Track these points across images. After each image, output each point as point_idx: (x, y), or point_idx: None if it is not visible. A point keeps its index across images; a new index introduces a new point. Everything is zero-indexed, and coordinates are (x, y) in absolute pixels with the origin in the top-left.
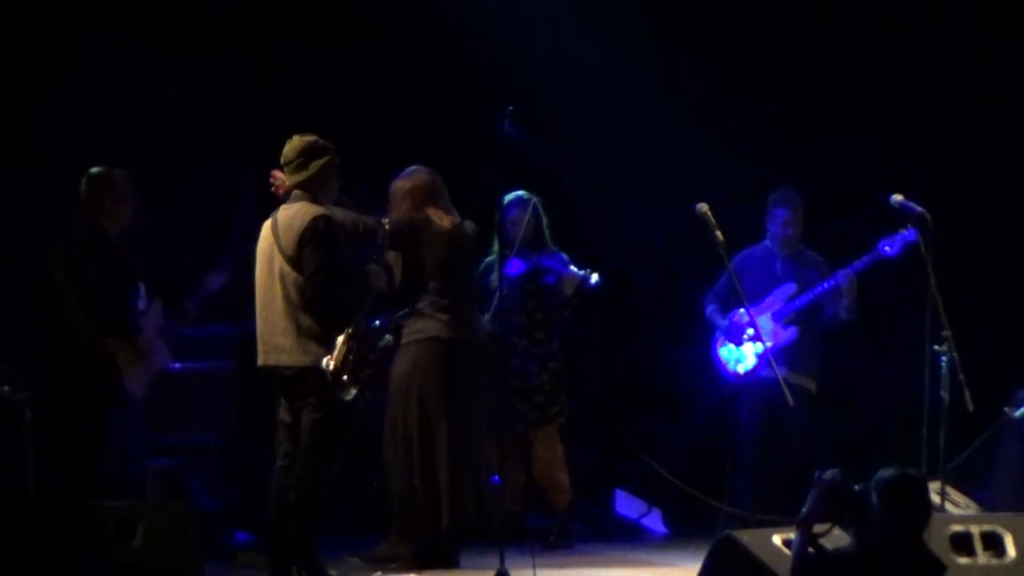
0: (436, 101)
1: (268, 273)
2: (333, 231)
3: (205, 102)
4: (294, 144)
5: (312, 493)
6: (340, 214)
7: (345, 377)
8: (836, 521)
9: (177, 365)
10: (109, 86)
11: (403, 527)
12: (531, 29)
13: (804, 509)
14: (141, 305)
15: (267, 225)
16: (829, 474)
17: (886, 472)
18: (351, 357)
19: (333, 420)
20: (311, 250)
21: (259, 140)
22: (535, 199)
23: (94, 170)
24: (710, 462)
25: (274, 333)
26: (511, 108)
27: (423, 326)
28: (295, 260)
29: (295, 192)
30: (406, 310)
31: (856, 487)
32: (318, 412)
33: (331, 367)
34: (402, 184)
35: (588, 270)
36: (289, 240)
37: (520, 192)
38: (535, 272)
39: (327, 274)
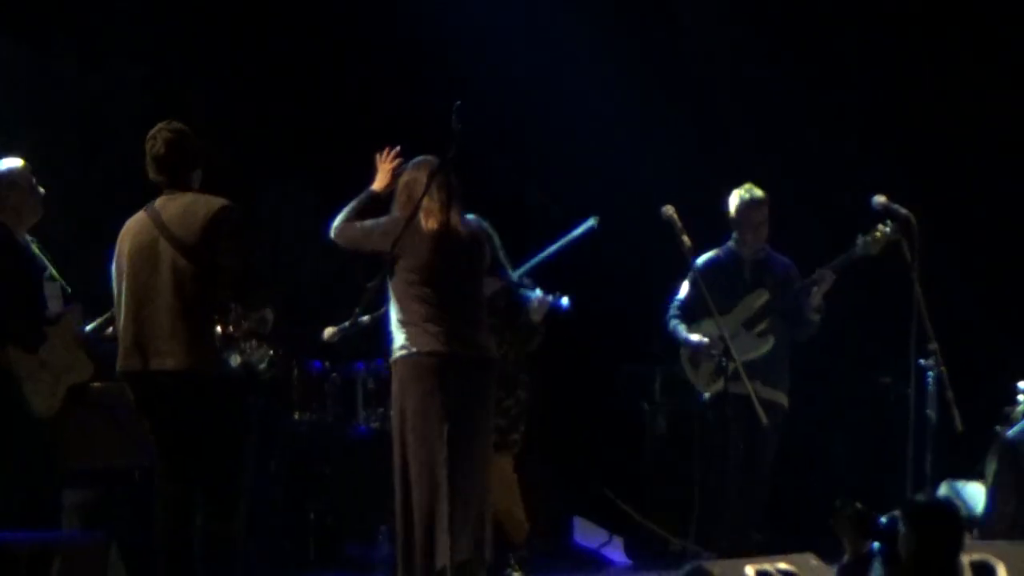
0: (381, 97)
1: (150, 271)
2: (242, 216)
3: (131, 97)
4: (165, 137)
5: (239, 531)
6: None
7: (232, 339)
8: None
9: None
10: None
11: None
12: (489, 25)
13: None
14: (54, 308)
15: (141, 219)
16: (848, 507)
17: (915, 499)
18: (244, 328)
19: (229, 431)
20: (230, 237)
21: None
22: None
23: None
24: (677, 486)
25: (157, 336)
26: (458, 103)
27: (406, 340)
28: (196, 250)
29: (165, 184)
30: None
31: (882, 518)
32: (212, 425)
33: (221, 328)
34: (402, 177)
35: (556, 293)
36: (191, 229)
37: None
38: (509, 290)
39: (250, 260)
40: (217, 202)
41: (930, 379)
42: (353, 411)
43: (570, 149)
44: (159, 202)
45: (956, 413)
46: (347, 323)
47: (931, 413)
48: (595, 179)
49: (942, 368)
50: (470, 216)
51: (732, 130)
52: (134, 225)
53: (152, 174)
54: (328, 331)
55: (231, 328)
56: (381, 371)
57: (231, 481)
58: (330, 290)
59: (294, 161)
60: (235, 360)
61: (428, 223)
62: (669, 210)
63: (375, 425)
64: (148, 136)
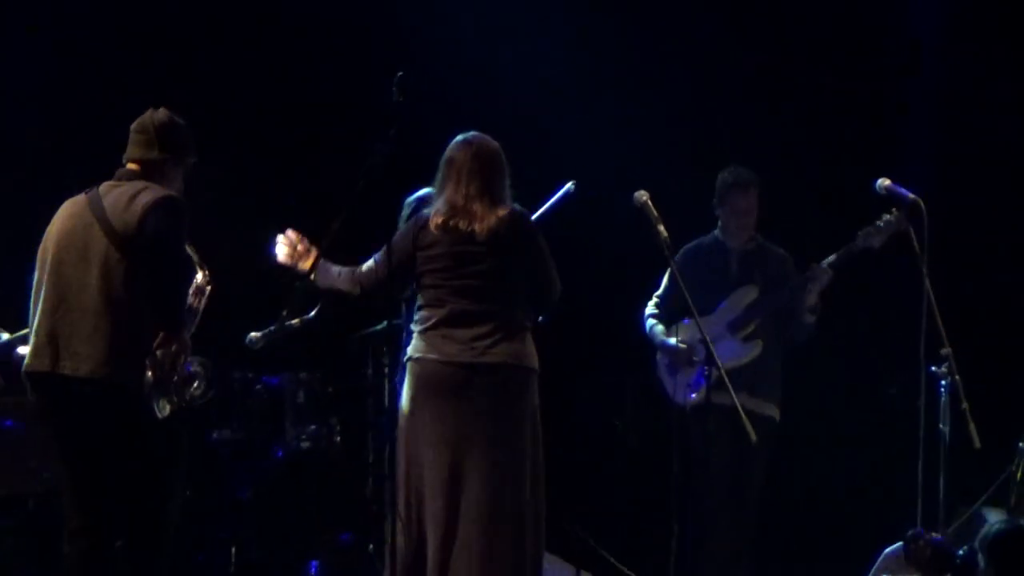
0: (314, 67)
1: (78, 260)
2: (185, 216)
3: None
4: (159, 118)
5: (162, 570)
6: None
7: (165, 385)
8: None
9: None
10: None
11: None
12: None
13: None
14: None
15: (78, 202)
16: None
17: (993, 527)
18: (177, 367)
19: (150, 453)
20: (161, 223)
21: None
22: None
23: None
24: (652, 511)
25: (75, 335)
26: (400, 74)
27: (410, 346)
28: (130, 242)
29: (129, 167)
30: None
31: (960, 551)
32: (129, 445)
33: (150, 368)
34: (445, 154)
35: None
36: (129, 219)
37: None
38: None
39: (175, 254)
40: (161, 191)
41: (943, 389)
42: (280, 429)
43: (534, 127)
44: (103, 186)
45: (973, 427)
46: (273, 327)
47: (944, 428)
48: (561, 161)
49: (956, 376)
50: (515, 207)
51: (718, 105)
52: (69, 207)
53: (128, 154)
54: (251, 336)
55: (160, 372)
56: (312, 382)
57: (152, 512)
58: (253, 289)
59: (209, 147)
60: (164, 409)
61: (434, 218)
62: (643, 196)
63: (305, 445)
64: (141, 116)
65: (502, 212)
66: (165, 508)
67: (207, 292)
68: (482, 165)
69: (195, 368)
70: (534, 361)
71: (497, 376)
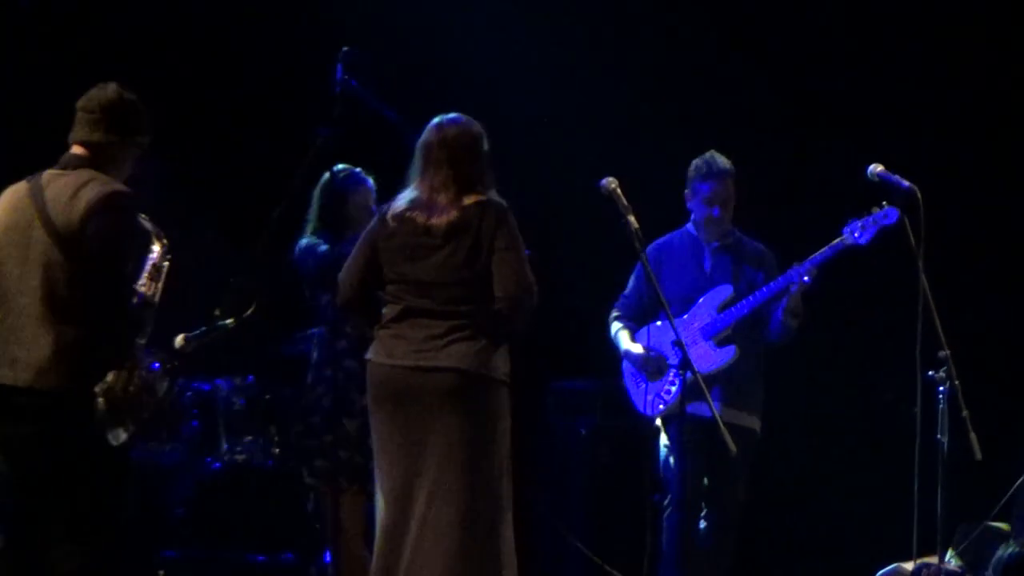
0: (255, 44)
1: (18, 260)
2: (133, 213)
3: None
4: (108, 95)
5: None
6: None
7: (120, 410)
8: None
9: None
10: None
11: None
12: None
13: None
14: None
15: (19, 192)
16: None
17: (1006, 550)
18: (131, 388)
19: (101, 472)
20: (108, 228)
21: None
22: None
23: None
24: (624, 528)
25: (15, 342)
26: (346, 49)
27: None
28: (72, 242)
29: (76, 151)
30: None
31: None
32: (76, 463)
33: (103, 395)
34: (421, 139)
35: None
36: (72, 215)
37: (358, 169)
38: None
39: (121, 262)
40: (110, 186)
41: (941, 395)
42: (214, 440)
43: (497, 114)
44: (46, 175)
45: (974, 437)
46: (204, 328)
47: (943, 438)
48: (525, 151)
49: (956, 382)
50: (490, 196)
51: (692, 88)
52: (10, 198)
53: (74, 135)
54: (180, 338)
55: (112, 396)
56: (250, 389)
57: (98, 529)
58: (182, 286)
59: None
60: (119, 437)
61: (393, 209)
62: (611, 184)
63: (241, 457)
64: (88, 92)
65: (469, 201)
66: (111, 528)
67: (165, 270)
68: (451, 153)
69: (157, 368)
70: (498, 370)
71: (448, 381)
